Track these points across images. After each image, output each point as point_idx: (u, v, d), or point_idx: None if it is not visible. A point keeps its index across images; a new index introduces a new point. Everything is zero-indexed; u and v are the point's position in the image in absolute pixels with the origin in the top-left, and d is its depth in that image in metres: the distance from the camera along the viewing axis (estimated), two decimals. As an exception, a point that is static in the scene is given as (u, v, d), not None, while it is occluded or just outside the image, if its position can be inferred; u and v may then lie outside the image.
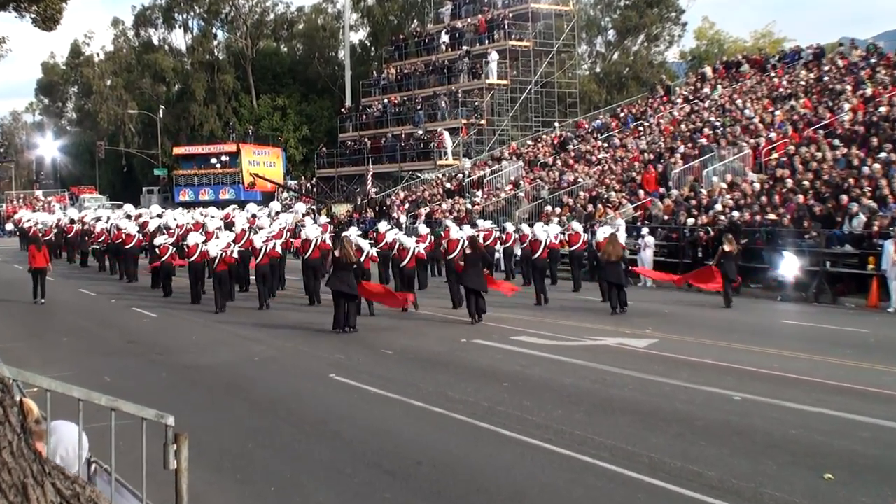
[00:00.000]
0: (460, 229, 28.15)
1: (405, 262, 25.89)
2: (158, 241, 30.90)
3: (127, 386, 14.96)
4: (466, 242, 24.16)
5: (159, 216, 40.71)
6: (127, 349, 19.75)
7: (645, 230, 31.54)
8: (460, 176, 51.63)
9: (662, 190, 35.83)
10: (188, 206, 59.40)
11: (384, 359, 17.90)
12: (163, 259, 29.85)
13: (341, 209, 54.79)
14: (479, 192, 47.19)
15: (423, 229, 30.55)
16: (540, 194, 42.40)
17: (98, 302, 28.80)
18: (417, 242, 28.02)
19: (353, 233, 27.36)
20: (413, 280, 26.19)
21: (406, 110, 63.12)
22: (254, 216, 36.93)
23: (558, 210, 37.35)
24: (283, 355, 18.61)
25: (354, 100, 71.50)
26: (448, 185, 51.08)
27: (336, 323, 21.35)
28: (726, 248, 25.18)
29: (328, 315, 22.11)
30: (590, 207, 36.62)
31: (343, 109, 70.90)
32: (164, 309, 26.36)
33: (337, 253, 21.74)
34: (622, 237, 28.38)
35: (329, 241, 28.53)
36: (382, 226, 32.08)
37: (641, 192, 36.22)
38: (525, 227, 31.51)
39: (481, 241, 29.77)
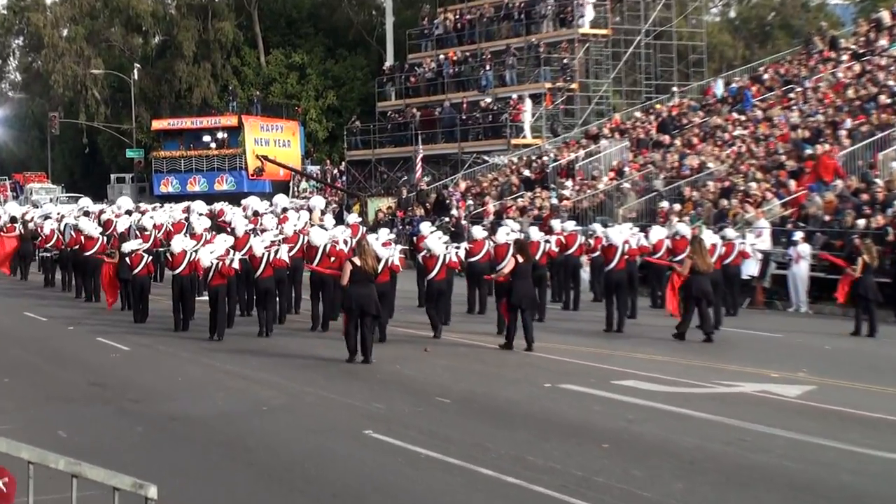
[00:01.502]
0: (520, 230, 28.15)
1: (433, 274, 25.98)
2: (129, 246, 31.07)
3: (91, 444, 15.12)
4: (514, 248, 24.31)
5: (129, 213, 41.01)
6: (90, 394, 19.92)
7: (798, 235, 31.18)
8: (544, 160, 51.61)
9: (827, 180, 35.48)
10: (172, 199, 59.47)
11: (439, 409, 17.94)
12: (136, 270, 30.02)
13: (381, 204, 54.60)
14: (569, 183, 47.13)
15: (479, 233, 30.50)
16: (652, 185, 42.24)
17: (50, 329, 29.07)
18: (470, 250, 28.28)
19: (383, 235, 27.53)
20: (443, 296, 26.32)
21: (469, 70, 63.25)
22: (256, 214, 37.09)
23: (677, 207, 37.16)
24: (301, 403, 18.70)
25: (398, 56, 71.82)
26: (526, 172, 51.09)
27: (348, 344, 22.07)
28: (866, 258, 25.44)
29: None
30: (722, 203, 36.36)
31: (383, 70, 71.18)
32: (140, 339, 26.53)
33: (357, 261, 21.92)
34: (755, 244, 28.22)
35: (344, 248, 28.58)
36: (425, 227, 32.00)
37: (793, 183, 35.87)
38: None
39: (555, 249, 29.87)
